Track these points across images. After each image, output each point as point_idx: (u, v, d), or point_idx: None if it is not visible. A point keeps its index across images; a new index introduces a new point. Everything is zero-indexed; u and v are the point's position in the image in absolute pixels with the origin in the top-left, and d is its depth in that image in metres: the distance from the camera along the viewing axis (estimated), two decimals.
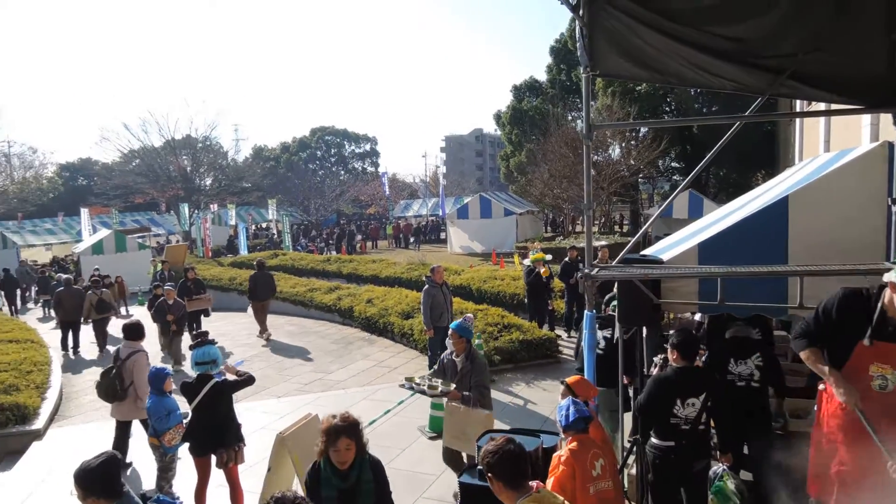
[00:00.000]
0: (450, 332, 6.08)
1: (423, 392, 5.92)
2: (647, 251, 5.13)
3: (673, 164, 37.05)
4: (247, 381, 5.59)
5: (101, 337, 13.41)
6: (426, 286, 9.80)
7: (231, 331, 14.83)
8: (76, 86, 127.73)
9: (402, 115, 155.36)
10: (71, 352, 13.33)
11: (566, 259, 12.37)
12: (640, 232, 5.53)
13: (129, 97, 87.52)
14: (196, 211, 39.76)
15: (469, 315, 7.14)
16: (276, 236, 39.83)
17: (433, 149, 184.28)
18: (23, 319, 17.46)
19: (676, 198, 11.92)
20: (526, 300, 12.45)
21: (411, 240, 37.95)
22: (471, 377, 5.75)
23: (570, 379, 4.48)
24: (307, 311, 16.15)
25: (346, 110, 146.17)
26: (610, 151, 30.21)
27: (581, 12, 4.23)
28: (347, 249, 33.62)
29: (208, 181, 46.40)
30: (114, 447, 6.58)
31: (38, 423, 8.25)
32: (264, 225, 49.38)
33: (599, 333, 5.66)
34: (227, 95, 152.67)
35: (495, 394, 8.99)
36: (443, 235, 37.36)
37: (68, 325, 13.37)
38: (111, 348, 11.63)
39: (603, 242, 18.04)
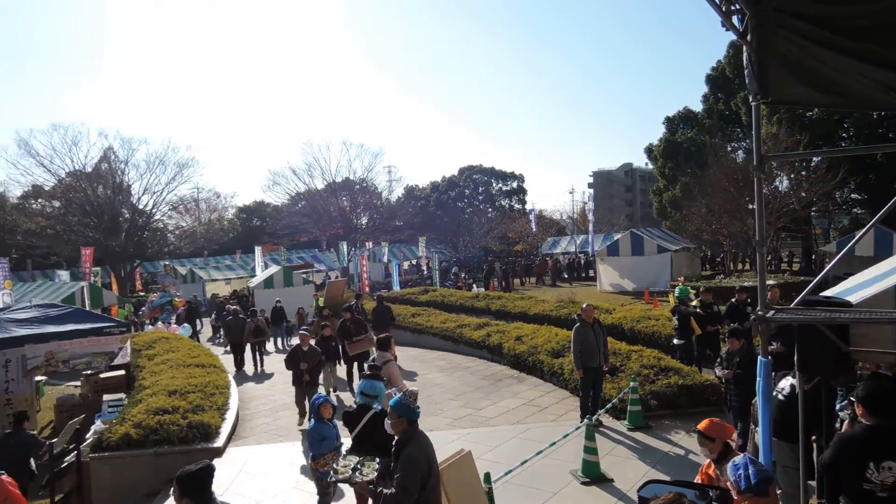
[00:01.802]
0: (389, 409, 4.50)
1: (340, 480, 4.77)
2: (829, 292, 4.64)
3: (853, 196, 33.52)
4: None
5: (259, 356, 16.81)
6: (577, 325, 9.56)
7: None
8: (251, 132, 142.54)
9: (548, 151, 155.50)
10: (238, 369, 16.41)
11: (733, 300, 11.46)
12: (825, 271, 4.99)
13: (296, 143, 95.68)
14: (353, 248, 42.32)
15: (413, 390, 4.80)
16: (426, 272, 41.25)
17: (580, 184, 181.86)
18: (206, 345, 19.45)
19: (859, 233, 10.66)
20: (676, 341, 11.63)
21: (563, 275, 37.50)
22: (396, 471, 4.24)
23: (702, 424, 4.16)
24: (456, 346, 16.41)
25: (494, 149, 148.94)
26: (777, 183, 27.96)
27: (749, 37, 4.01)
28: (503, 287, 33.82)
29: (364, 220, 49.33)
30: None
31: (219, 442, 9.06)
32: (415, 262, 51.31)
33: (783, 382, 5.16)
34: (382, 138, 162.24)
35: (652, 440, 8.52)
36: (591, 273, 36.49)
37: (235, 346, 16.86)
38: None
39: (772, 282, 16.60)
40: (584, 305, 10.01)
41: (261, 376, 15.70)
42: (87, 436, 9.17)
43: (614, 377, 10.28)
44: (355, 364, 12.94)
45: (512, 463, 6.98)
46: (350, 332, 12.79)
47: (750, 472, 3.34)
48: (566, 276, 37.58)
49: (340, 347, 13.03)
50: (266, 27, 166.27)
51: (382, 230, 49.40)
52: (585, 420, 7.80)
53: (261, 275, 31.18)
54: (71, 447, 8.24)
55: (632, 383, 9.25)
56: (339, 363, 13.17)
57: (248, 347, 16.91)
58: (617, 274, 29.97)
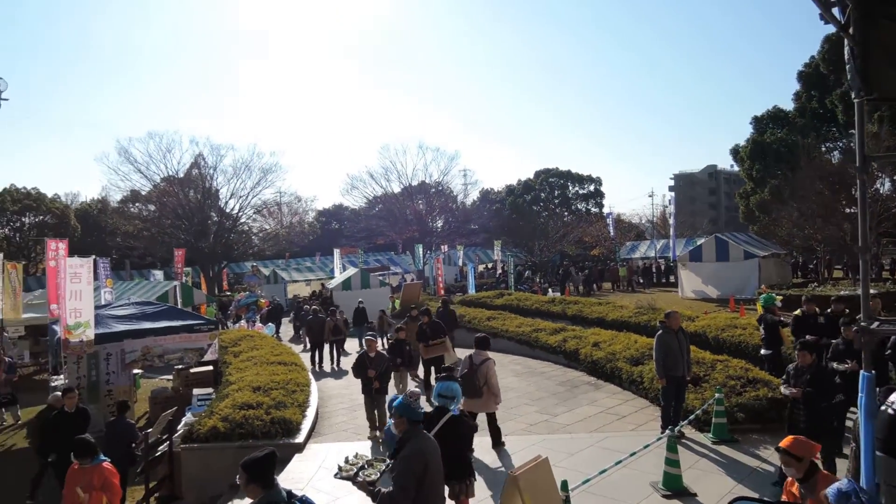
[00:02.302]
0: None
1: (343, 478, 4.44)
2: None
3: None
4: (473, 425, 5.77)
5: (337, 353, 17.60)
6: (659, 332, 9.25)
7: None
8: (331, 137, 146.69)
9: (627, 154, 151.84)
10: (317, 366, 17.06)
11: (800, 311, 10.77)
12: None
13: (373, 147, 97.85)
14: (429, 251, 42.79)
15: (415, 391, 5.14)
16: (500, 276, 41.16)
17: (661, 188, 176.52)
18: (288, 344, 20.12)
19: None
20: (763, 351, 11.10)
21: (640, 281, 36.51)
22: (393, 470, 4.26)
23: (785, 442, 3.92)
24: (532, 350, 16.25)
25: (570, 151, 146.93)
26: (878, 185, 26.17)
27: (851, 30, 3.77)
28: (580, 291, 33.30)
29: (440, 223, 49.83)
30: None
31: (300, 438, 9.33)
32: (490, 265, 51.29)
33: (893, 396, 4.80)
34: (458, 142, 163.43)
35: (738, 454, 8.13)
36: (672, 279, 35.33)
37: (315, 344, 17.66)
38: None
39: (873, 291, 15.55)
40: (669, 312, 9.66)
41: (339, 373, 16.14)
42: (179, 427, 9.66)
43: (697, 388, 9.88)
44: (431, 368, 12.70)
45: (589, 472, 6.82)
46: (426, 336, 12.64)
47: (863, 500, 3.06)
48: (641, 282, 36.53)
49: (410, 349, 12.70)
50: (346, 33, 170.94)
51: (458, 233, 49.71)
52: (667, 431, 7.53)
53: (339, 277, 31.98)
54: (164, 437, 8.71)
55: (717, 394, 8.86)
56: (410, 367, 12.81)
57: (326, 346, 17.70)
58: (700, 280, 28.85)
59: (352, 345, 19.31)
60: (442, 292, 30.99)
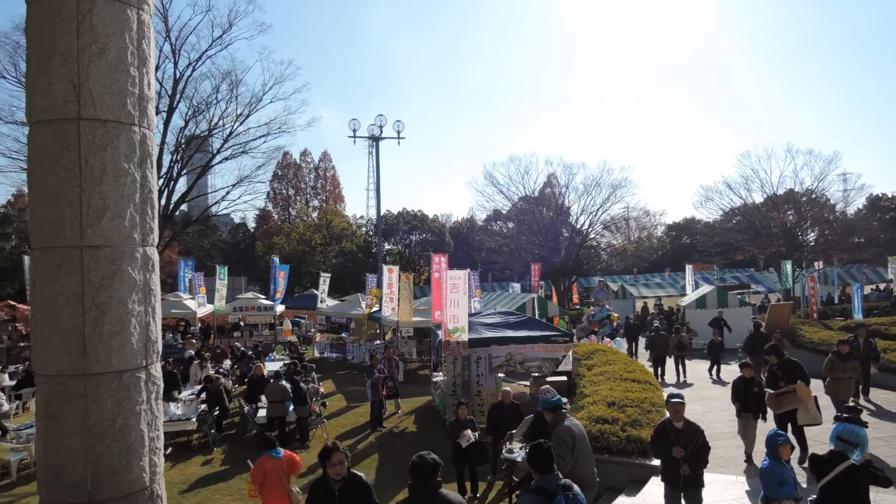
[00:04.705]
0: None
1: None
2: None
3: None
4: (885, 479, 4.73)
5: (682, 367, 18.50)
6: None
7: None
8: (681, 148, 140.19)
9: None
10: (661, 380, 17.20)
11: None
12: None
13: (730, 155, 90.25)
14: (799, 268, 37.58)
15: (544, 387, 7.21)
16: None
17: None
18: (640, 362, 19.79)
19: None
20: None
21: None
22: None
23: None
24: None
25: None
26: None
27: None
28: None
29: (812, 236, 43.39)
30: None
31: (656, 461, 8.99)
32: (882, 286, 42.69)
33: None
34: (835, 143, 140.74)
35: None
36: None
37: (657, 359, 18.59)
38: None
39: None
40: None
41: (691, 392, 14.94)
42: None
43: None
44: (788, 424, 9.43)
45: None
46: (777, 379, 9.73)
47: None
48: None
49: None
50: (683, 38, 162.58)
51: (836, 248, 42.59)
52: None
53: (692, 294, 30.22)
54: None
55: None
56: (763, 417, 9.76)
57: (670, 360, 18.73)
58: None
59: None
60: (815, 315, 26.86)
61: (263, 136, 34.76)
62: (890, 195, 60.38)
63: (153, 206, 4.13)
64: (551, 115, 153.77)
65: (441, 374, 14.92)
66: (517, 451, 8.37)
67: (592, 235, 49.41)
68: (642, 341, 24.11)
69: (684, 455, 6.51)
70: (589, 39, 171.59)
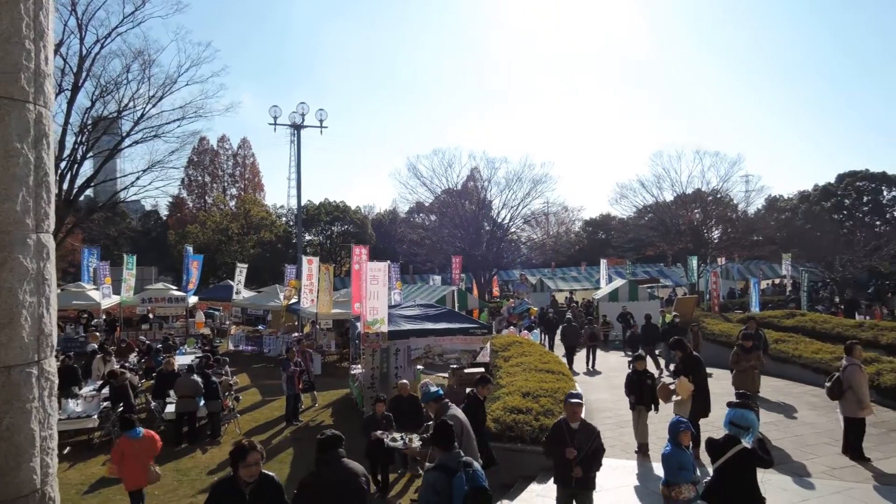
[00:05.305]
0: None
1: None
2: None
3: None
4: (768, 461, 5.10)
5: (593, 356, 19.67)
6: None
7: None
8: (599, 146, 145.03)
9: None
10: (571, 369, 17.21)
11: None
12: None
13: (644, 155, 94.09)
14: (704, 264, 39.74)
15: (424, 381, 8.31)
16: (789, 294, 36.55)
17: None
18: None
19: None
20: None
21: None
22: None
23: None
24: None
25: (883, 149, 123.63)
26: None
27: None
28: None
29: (717, 234, 46.00)
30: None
31: None
32: (776, 281, 45.83)
33: None
34: (739, 145, 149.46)
35: None
36: None
37: (569, 349, 19.45)
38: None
39: None
40: None
41: (602, 382, 15.66)
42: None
43: None
44: None
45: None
46: (679, 374, 10.05)
47: None
48: None
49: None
50: (610, 38, 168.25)
51: (737, 245, 45.38)
52: None
53: (605, 287, 31.41)
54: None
55: None
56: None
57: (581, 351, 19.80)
58: None
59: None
60: (716, 308, 28.54)
61: (178, 119, 33.23)
62: (786, 196, 64.82)
63: (49, 190, 3.87)
64: (478, 111, 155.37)
65: (359, 366, 14.83)
66: (399, 439, 8.83)
67: (513, 229, 50.26)
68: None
69: (577, 457, 6.33)
70: (519, 36, 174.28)
